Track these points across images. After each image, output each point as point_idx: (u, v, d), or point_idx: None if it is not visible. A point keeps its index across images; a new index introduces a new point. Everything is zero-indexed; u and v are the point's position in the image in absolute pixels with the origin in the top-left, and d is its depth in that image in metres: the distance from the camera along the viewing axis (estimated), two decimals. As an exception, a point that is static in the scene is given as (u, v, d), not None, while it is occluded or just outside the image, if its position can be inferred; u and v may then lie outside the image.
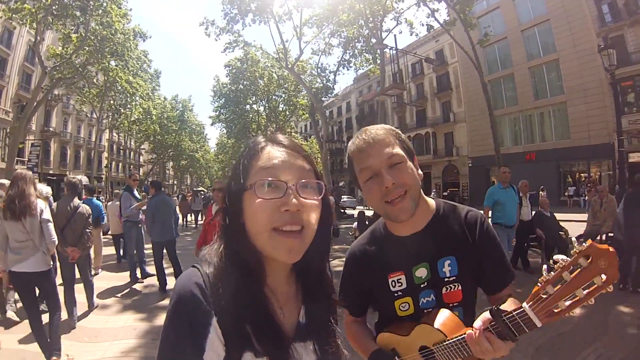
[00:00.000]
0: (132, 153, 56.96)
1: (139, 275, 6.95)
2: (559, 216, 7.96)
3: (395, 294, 1.18)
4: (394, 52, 15.50)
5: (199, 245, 4.80)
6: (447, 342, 0.99)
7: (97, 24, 19.77)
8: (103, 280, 6.56)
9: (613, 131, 22.72)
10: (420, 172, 1.15)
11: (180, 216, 15.24)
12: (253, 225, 0.71)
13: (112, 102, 30.77)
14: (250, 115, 35.11)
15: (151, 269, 7.34)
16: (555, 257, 0.85)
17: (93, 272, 6.05)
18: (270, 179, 0.71)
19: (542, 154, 25.58)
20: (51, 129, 34.45)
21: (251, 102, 33.99)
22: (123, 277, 6.93)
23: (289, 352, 0.71)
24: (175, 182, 65.27)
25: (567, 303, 0.80)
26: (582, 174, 24.80)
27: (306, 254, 0.74)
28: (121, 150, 51.64)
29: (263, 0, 18.47)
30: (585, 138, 23.40)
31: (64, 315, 4.07)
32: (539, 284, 0.84)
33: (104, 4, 19.22)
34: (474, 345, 0.92)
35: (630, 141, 22.43)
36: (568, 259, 0.80)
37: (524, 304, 0.86)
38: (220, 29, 20.52)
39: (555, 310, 0.82)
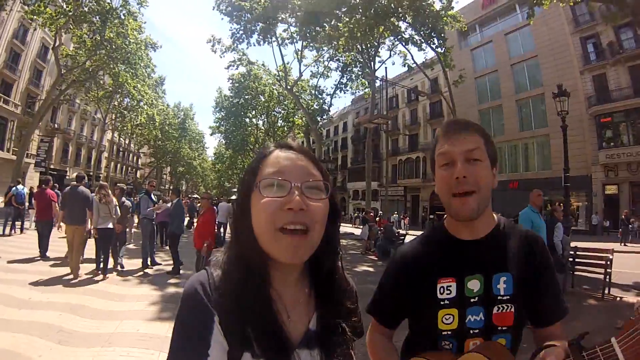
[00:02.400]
0: (131, 155, 57.92)
1: (149, 263, 8.19)
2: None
3: (442, 302, 1.06)
4: (384, 82, 16.96)
5: (195, 239, 6.32)
6: None
7: (110, 31, 20.88)
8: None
9: (591, 164, 24.11)
10: (496, 182, 1.08)
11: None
12: (258, 224, 0.70)
13: (116, 104, 31.85)
14: (249, 129, 36.15)
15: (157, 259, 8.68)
16: None
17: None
18: (275, 178, 0.71)
19: (525, 183, 26.16)
20: (56, 125, 35.32)
21: (251, 115, 35.13)
22: (136, 264, 8.15)
23: (290, 357, 0.70)
24: (171, 187, 66.07)
25: None
26: (562, 204, 25.65)
27: (315, 256, 0.74)
28: (121, 152, 52.33)
29: (268, 23, 19.42)
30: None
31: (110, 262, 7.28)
32: (632, 317, 0.80)
33: (122, 16, 20.58)
34: None
35: (607, 174, 23.71)
36: None
37: (612, 339, 0.80)
38: (226, 47, 21.78)
39: None
